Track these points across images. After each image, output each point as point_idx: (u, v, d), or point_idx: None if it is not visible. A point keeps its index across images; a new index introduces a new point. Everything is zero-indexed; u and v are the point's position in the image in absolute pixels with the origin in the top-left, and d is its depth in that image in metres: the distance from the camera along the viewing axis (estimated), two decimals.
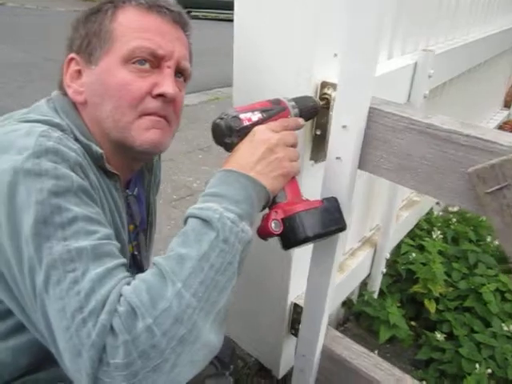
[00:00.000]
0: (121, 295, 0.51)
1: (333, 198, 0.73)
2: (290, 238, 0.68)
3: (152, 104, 0.70)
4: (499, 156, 0.61)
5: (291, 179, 0.71)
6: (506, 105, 3.41)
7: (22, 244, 0.53)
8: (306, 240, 0.67)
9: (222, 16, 10.25)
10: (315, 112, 0.81)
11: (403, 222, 1.66)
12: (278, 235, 0.68)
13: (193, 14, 10.80)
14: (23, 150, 0.57)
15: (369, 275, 1.56)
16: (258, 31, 0.86)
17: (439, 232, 1.80)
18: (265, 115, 0.72)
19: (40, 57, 5.37)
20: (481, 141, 0.62)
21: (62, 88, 0.75)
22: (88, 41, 0.72)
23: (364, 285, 1.62)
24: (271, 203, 0.69)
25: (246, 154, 0.67)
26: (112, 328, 0.48)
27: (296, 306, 1.17)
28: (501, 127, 3.16)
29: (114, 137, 0.71)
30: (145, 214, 0.91)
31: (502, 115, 3.24)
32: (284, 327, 1.20)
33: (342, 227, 0.71)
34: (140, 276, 0.54)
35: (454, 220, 1.91)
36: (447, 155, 0.66)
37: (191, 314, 0.51)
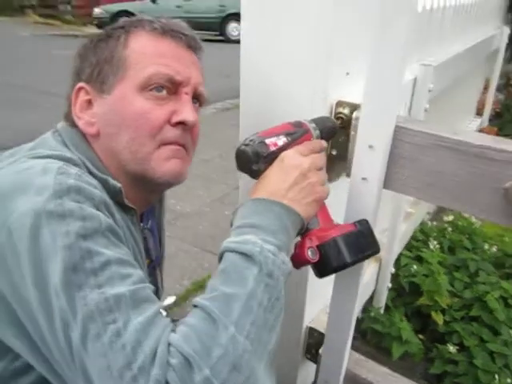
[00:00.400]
0: (169, 345, 0.47)
1: (364, 220, 0.71)
2: (328, 265, 0.65)
3: (171, 133, 0.67)
4: None
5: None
6: (479, 112, 3.53)
7: (50, 295, 0.48)
8: (344, 266, 0.65)
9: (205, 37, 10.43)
10: (334, 132, 0.79)
11: (402, 235, 1.67)
12: (314, 263, 0.65)
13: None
14: (42, 190, 0.52)
15: (374, 291, 1.55)
16: (267, 54, 0.85)
17: (435, 242, 1.81)
18: (289, 139, 0.70)
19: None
20: None
21: (69, 119, 0.71)
22: (99, 69, 0.68)
23: (369, 300, 1.61)
24: (304, 230, 0.67)
25: (277, 181, 0.64)
26: (167, 383, 0.44)
27: (312, 329, 1.14)
28: None
29: (132, 169, 0.68)
30: (159, 247, 0.87)
31: (476, 123, 3.33)
32: (299, 352, 1.17)
33: (376, 250, 0.69)
34: (186, 321, 0.50)
35: (450, 229, 1.93)
36: (480, 171, 0.65)
37: (248, 360, 0.48)
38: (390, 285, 1.52)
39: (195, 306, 0.52)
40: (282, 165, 0.66)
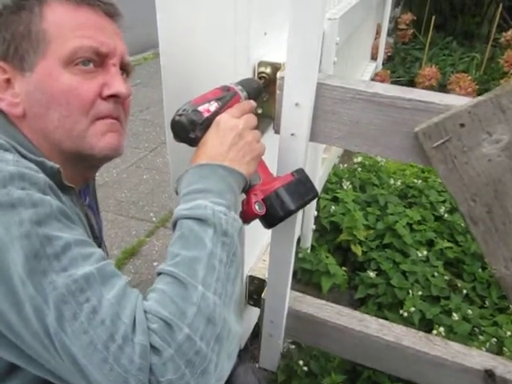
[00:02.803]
0: (145, 312, 0.50)
1: (300, 169, 0.77)
2: (275, 215, 0.71)
3: (104, 106, 0.66)
4: (437, 114, 0.71)
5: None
6: (373, 57, 3.75)
7: (15, 285, 0.48)
8: (290, 214, 0.71)
9: None
10: (260, 92, 0.83)
11: (320, 179, 1.80)
12: (262, 216, 0.70)
13: None
14: None
15: (300, 234, 1.67)
16: (188, 17, 0.83)
17: (348, 182, 1.98)
18: (220, 103, 0.72)
19: None
20: (421, 103, 0.71)
21: None
22: (16, 45, 0.64)
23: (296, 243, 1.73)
24: (248, 187, 0.71)
25: (216, 145, 0.67)
26: (153, 347, 0.48)
27: (252, 277, 1.22)
28: (373, 79, 3.48)
29: (68, 147, 0.66)
30: (100, 222, 0.86)
31: (371, 67, 3.55)
32: (242, 300, 1.25)
33: (316, 194, 0.77)
34: (156, 288, 0.53)
35: (359, 169, 2.11)
36: (393, 119, 0.74)
37: (220, 312, 0.53)
38: (314, 227, 1.65)
39: (160, 274, 0.55)
40: (217, 129, 0.68)
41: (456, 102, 0.71)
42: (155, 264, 1.82)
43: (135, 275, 1.73)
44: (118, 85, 0.66)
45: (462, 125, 0.69)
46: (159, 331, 0.48)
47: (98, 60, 0.66)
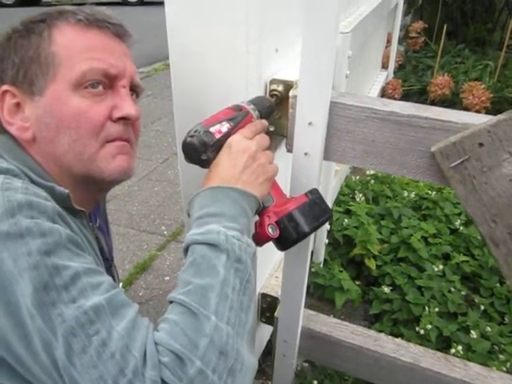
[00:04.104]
0: (156, 344, 0.49)
1: (314, 189, 0.76)
2: (289, 238, 0.69)
3: (114, 129, 0.66)
4: (454, 133, 0.69)
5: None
6: (384, 66, 3.73)
7: (24, 319, 0.47)
8: (304, 236, 0.70)
9: (76, 0, 9.94)
10: (272, 110, 0.82)
11: (333, 191, 1.77)
12: (276, 239, 0.69)
13: (44, 0, 9.97)
14: None
15: (313, 248, 1.65)
16: (198, 38, 0.83)
17: (361, 195, 1.95)
18: (232, 124, 0.71)
19: None
20: (438, 121, 0.69)
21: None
22: (25, 69, 0.63)
23: None
24: (261, 209, 0.70)
25: (229, 167, 0.66)
26: (163, 381, 0.46)
27: (264, 295, 1.20)
28: (384, 88, 3.46)
29: (79, 171, 0.65)
30: (110, 243, 0.85)
31: (383, 76, 3.53)
32: (255, 324, 1.23)
33: (330, 215, 0.75)
34: (167, 318, 0.52)
35: (372, 181, 2.08)
36: (409, 137, 0.72)
37: (233, 343, 0.51)
38: (326, 241, 1.63)
39: (171, 302, 0.54)
40: (230, 151, 0.67)
41: (474, 120, 0.68)
42: (166, 279, 1.81)
43: (146, 290, 1.72)
44: (127, 107, 0.66)
45: (481, 144, 0.67)
46: (170, 365, 0.47)
47: (108, 82, 0.65)
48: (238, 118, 0.72)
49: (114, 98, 0.66)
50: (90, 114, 0.63)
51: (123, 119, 0.66)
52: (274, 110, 0.83)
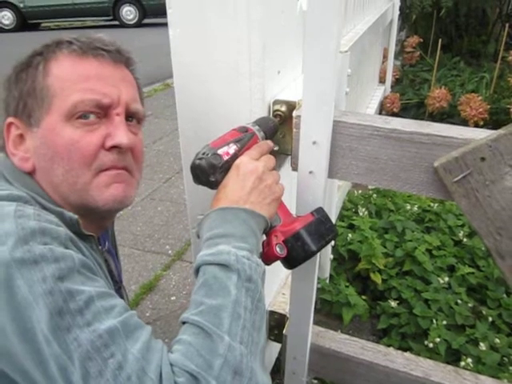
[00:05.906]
0: (171, 365, 0.49)
1: (320, 208, 0.77)
2: (297, 256, 0.70)
3: (107, 158, 0.66)
4: (456, 148, 0.70)
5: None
6: (381, 80, 3.78)
7: (40, 344, 0.48)
8: (312, 255, 0.71)
9: (76, 24, 10.28)
10: (276, 131, 0.84)
11: (336, 207, 1.79)
12: (284, 258, 0.70)
13: (44, 25, 10.18)
14: (5, 238, 0.51)
15: (319, 264, 1.65)
16: (202, 63, 0.85)
17: (364, 209, 1.96)
18: (239, 145, 0.73)
19: None
20: (439, 137, 0.71)
21: (6, 152, 0.68)
22: (24, 102, 0.66)
23: None
24: (269, 229, 0.71)
25: (237, 189, 0.67)
26: None
27: (272, 312, 1.20)
28: (382, 102, 3.50)
29: (74, 201, 0.66)
30: (119, 266, 0.86)
31: (380, 91, 3.57)
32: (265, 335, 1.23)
33: (336, 234, 0.76)
34: (181, 339, 0.53)
35: (374, 195, 2.10)
36: (412, 154, 0.74)
37: (247, 362, 0.52)
38: (332, 256, 1.63)
39: (185, 323, 0.55)
40: (238, 172, 0.68)
41: (475, 135, 0.70)
42: (173, 299, 1.81)
43: (153, 311, 1.72)
44: (120, 135, 0.66)
45: (483, 158, 0.68)
46: None
47: (102, 111, 0.66)
48: (244, 139, 0.74)
49: (109, 127, 0.66)
50: (81, 143, 0.64)
51: (116, 148, 0.66)
52: (278, 130, 0.85)
